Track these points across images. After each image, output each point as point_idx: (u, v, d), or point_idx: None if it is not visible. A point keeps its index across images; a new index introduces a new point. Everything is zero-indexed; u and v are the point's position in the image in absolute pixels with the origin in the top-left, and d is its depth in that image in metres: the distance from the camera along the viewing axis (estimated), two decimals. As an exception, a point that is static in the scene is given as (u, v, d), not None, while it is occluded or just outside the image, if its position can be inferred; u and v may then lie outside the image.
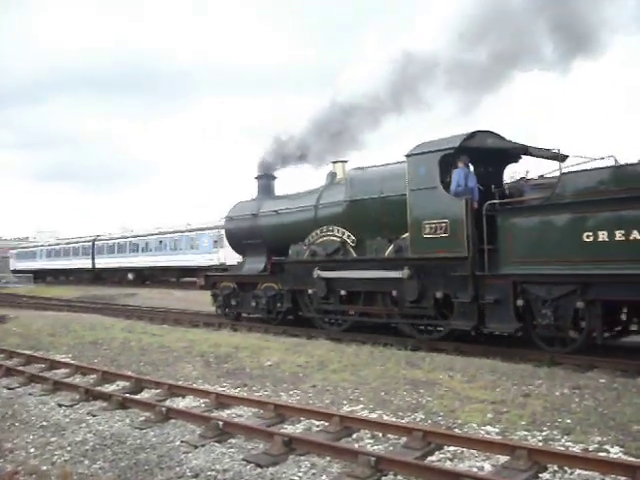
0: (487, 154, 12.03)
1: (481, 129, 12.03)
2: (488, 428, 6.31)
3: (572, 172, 9.94)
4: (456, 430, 6.26)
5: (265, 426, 6.59)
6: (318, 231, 14.29)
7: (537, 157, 11.69)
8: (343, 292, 13.41)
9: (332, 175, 15.46)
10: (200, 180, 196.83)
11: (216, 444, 6.24)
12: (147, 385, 8.99)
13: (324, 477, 5.22)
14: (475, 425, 6.41)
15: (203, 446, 6.19)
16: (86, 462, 5.96)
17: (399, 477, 5.11)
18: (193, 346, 12.11)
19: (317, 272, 13.80)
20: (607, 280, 9.31)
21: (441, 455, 5.61)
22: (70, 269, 50.29)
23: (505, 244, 10.45)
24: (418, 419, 6.78)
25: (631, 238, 8.81)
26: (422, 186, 11.49)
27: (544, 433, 6.07)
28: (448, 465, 5.36)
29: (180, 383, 8.95)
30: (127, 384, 9.13)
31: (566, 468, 5.06)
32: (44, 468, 5.82)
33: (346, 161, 15.63)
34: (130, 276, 42.21)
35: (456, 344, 11.27)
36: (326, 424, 6.56)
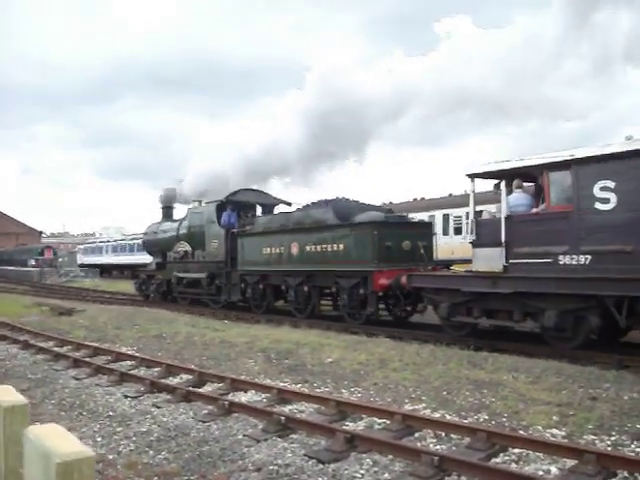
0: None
1: (245, 188, 21.40)
2: (554, 431, 6.17)
3: (259, 216, 20.51)
4: (521, 432, 6.14)
5: (327, 422, 6.60)
6: (178, 244, 22.87)
7: (283, 204, 21.59)
8: (185, 281, 22.26)
9: (190, 209, 23.10)
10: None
11: (278, 439, 6.29)
12: (210, 379, 9.14)
13: (386, 475, 5.19)
14: (540, 427, 6.28)
15: (265, 440, 6.25)
16: (151, 452, 6.09)
17: (463, 478, 5.04)
18: (254, 342, 12.21)
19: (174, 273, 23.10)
20: (273, 273, 17.88)
21: (506, 457, 5.51)
22: (135, 264, 51.28)
23: (239, 253, 19.10)
24: (481, 420, 6.68)
25: (276, 251, 17.41)
26: (210, 221, 20.65)
27: (613, 438, 5.91)
28: (513, 467, 5.27)
29: (242, 378, 9.05)
30: (190, 377, 9.30)
31: (637, 475, 4.90)
32: (110, 457, 5.96)
33: (200, 201, 23.05)
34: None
35: (520, 345, 11.09)
36: (388, 422, 6.53)
